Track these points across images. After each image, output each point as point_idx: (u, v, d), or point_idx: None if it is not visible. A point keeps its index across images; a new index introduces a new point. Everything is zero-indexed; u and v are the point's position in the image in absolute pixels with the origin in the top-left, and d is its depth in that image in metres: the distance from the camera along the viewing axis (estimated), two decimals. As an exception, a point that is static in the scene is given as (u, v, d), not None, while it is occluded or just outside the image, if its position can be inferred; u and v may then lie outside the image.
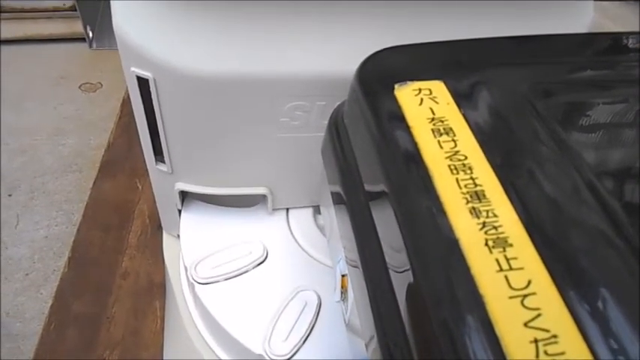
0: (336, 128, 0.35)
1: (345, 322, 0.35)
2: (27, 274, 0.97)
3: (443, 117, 0.26)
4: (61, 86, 1.44)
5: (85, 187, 1.11)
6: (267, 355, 0.40)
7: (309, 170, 0.44)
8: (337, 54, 0.38)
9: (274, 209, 0.51)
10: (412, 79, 0.29)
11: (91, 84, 1.45)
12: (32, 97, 1.38)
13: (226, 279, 0.46)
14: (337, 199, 0.34)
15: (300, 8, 0.37)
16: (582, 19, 0.41)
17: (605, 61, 0.34)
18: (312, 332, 0.42)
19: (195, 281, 0.46)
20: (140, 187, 1.06)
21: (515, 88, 0.29)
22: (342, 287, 0.36)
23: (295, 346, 0.41)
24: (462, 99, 0.28)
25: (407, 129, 0.26)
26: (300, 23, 0.38)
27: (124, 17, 0.38)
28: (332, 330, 0.42)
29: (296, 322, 0.43)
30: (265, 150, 0.45)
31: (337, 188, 0.33)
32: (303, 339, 0.41)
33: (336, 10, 0.38)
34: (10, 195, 1.11)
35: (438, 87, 0.28)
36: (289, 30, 0.38)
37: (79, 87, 1.44)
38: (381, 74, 0.31)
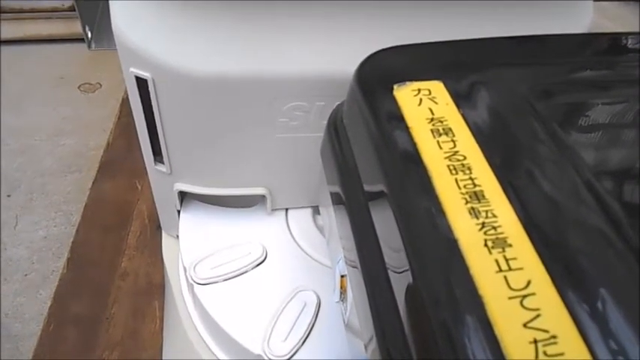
0: (335, 128, 0.35)
1: (344, 323, 0.35)
2: (26, 275, 0.97)
3: (442, 117, 0.26)
4: (61, 87, 1.44)
5: (85, 187, 1.11)
6: (266, 355, 0.40)
7: (308, 170, 0.44)
8: (336, 54, 0.38)
9: (273, 210, 0.51)
10: (411, 80, 0.29)
11: (91, 84, 1.45)
12: (32, 98, 1.38)
13: (225, 279, 0.46)
14: (336, 200, 0.34)
15: (299, 8, 0.37)
16: (582, 20, 0.41)
17: (605, 61, 0.34)
18: (312, 333, 0.42)
19: (194, 282, 0.46)
20: (139, 188, 1.06)
21: (515, 88, 0.29)
22: (341, 288, 0.36)
23: (295, 347, 0.41)
24: (462, 99, 0.28)
25: (406, 129, 0.26)
26: (299, 23, 0.38)
27: (123, 18, 0.38)
28: (331, 330, 0.42)
29: (295, 322, 0.42)
30: (264, 150, 0.45)
31: (336, 188, 0.33)
32: (302, 339, 0.41)
33: (335, 10, 0.38)
34: (9, 196, 1.11)
35: (437, 87, 0.28)
36: (288, 30, 0.38)
37: (79, 87, 1.44)
38: (380, 74, 0.31)
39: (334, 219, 0.35)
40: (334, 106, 0.37)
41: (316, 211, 0.52)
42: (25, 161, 1.19)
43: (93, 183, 1.10)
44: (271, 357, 0.40)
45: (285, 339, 0.41)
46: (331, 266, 0.46)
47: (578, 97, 0.30)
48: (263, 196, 0.49)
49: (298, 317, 0.43)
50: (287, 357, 0.40)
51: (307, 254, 0.49)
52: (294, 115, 0.41)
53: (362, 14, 0.39)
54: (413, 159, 0.24)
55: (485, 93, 0.28)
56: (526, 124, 0.26)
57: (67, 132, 1.28)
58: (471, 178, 0.23)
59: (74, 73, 1.49)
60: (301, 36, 0.38)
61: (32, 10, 1.52)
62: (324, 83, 0.39)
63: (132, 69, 0.39)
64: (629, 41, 0.35)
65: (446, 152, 0.24)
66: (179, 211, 0.52)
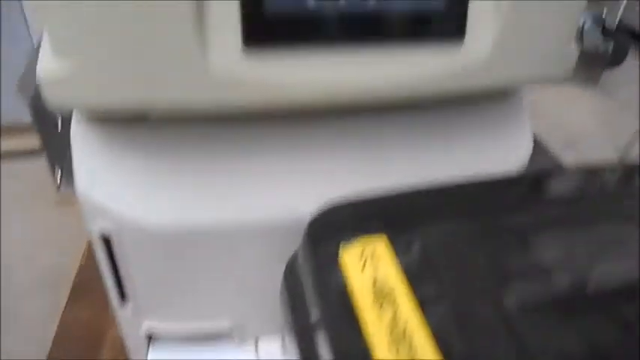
0: (292, 273, 0.36)
1: None
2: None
3: (383, 281, 0.28)
4: (36, 201, 1.44)
5: (59, 309, 1.09)
6: None
7: (276, 300, 0.45)
8: (290, 201, 0.40)
9: (242, 340, 0.51)
10: (358, 233, 0.31)
11: (66, 199, 1.46)
12: (7, 213, 1.38)
13: None
14: (292, 344, 0.34)
15: (254, 161, 0.40)
16: (519, 154, 0.44)
17: (549, 202, 0.36)
18: None
19: None
20: (111, 313, 1.04)
21: (455, 240, 0.30)
22: None
23: None
24: (404, 255, 0.29)
25: (350, 295, 0.27)
26: (256, 173, 0.40)
27: (84, 180, 0.40)
28: None
29: None
30: (231, 288, 0.46)
31: (292, 333, 0.34)
32: None
33: (288, 159, 0.40)
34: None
35: (381, 244, 0.30)
36: (244, 182, 0.40)
37: (54, 202, 1.45)
38: (328, 231, 0.32)
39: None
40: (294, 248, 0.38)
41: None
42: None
43: (65, 306, 1.09)
44: None
45: None
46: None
47: (521, 247, 0.31)
48: (232, 328, 0.50)
49: None
50: None
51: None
52: (255, 257, 0.43)
53: (316, 160, 0.41)
54: (355, 328, 0.25)
55: (427, 247, 0.30)
56: (466, 281, 0.28)
57: (43, 248, 1.27)
58: (411, 346, 0.24)
59: (49, 187, 1.50)
60: (258, 185, 0.40)
61: (8, 128, 1.56)
62: (283, 230, 0.40)
63: (94, 226, 0.40)
64: (566, 180, 0.38)
65: (387, 321, 0.26)
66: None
